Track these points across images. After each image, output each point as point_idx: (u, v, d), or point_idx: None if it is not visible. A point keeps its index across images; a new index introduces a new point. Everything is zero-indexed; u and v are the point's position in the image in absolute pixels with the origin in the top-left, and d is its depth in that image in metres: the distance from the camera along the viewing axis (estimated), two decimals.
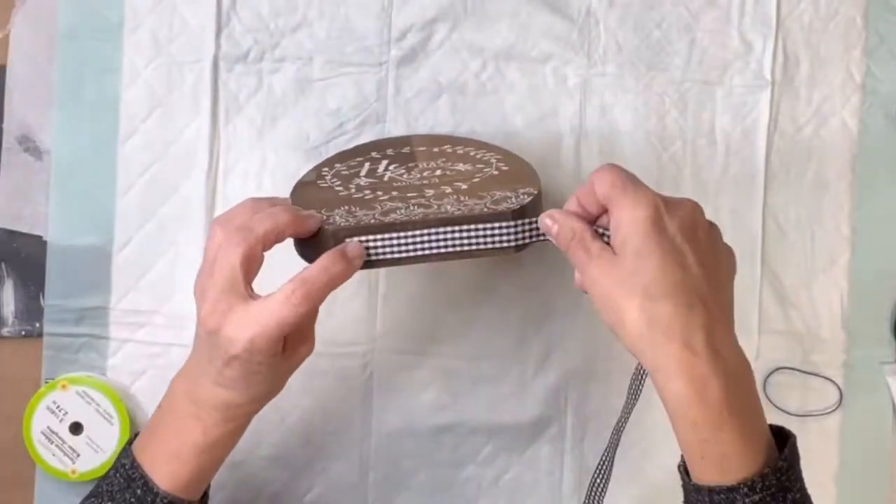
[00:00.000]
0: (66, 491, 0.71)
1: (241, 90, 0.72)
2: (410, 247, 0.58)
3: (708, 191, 0.74)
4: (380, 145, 0.70)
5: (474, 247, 0.57)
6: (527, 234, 0.58)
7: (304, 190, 0.64)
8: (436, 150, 0.68)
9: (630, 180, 0.53)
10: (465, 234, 0.57)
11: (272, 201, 0.60)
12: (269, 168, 0.72)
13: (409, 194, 0.61)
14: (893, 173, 0.75)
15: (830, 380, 0.74)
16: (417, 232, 0.57)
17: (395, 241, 0.57)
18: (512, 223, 0.57)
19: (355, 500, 0.72)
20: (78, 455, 0.70)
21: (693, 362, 0.50)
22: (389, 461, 0.73)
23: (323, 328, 0.72)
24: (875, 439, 0.75)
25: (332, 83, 0.72)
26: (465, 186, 0.61)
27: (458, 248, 0.57)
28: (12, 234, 0.71)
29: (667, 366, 0.50)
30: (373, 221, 0.57)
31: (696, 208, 0.54)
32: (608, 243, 0.54)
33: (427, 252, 0.57)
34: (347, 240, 0.57)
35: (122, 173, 0.72)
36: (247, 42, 0.72)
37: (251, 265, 0.55)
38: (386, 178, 0.64)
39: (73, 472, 0.70)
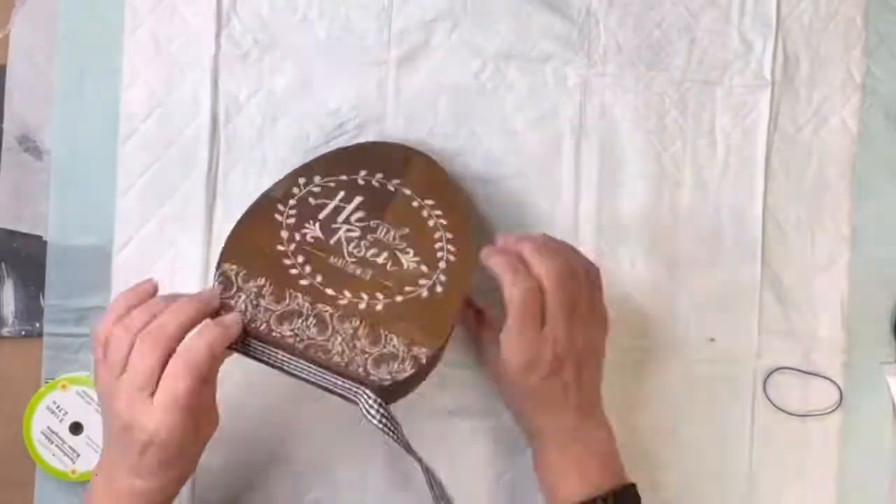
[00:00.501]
0: (66, 491, 0.71)
1: (241, 90, 0.72)
2: (281, 362, 0.60)
3: (708, 191, 0.74)
4: (377, 161, 0.69)
5: (333, 389, 0.60)
6: (375, 416, 0.59)
7: (252, 223, 0.64)
8: (415, 203, 0.67)
9: (527, 321, 0.60)
10: (326, 378, 0.59)
11: (176, 298, 0.59)
12: (269, 168, 0.72)
13: (328, 290, 0.61)
14: (893, 173, 0.75)
15: (830, 380, 0.74)
16: (289, 356, 0.59)
17: (269, 352, 0.59)
18: (370, 399, 0.59)
19: (355, 500, 0.72)
20: (78, 455, 0.70)
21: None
22: (389, 461, 0.73)
23: None
24: (875, 439, 0.75)
25: (332, 83, 0.72)
26: (379, 308, 0.61)
27: (318, 383, 0.60)
28: (12, 234, 0.71)
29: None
30: (262, 327, 0.59)
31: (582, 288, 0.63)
32: None
33: (292, 372, 0.60)
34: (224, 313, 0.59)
35: (122, 173, 0.71)
36: (247, 42, 0.72)
37: (164, 364, 0.55)
38: (335, 238, 0.64)
39: (73, 472, 0.70)
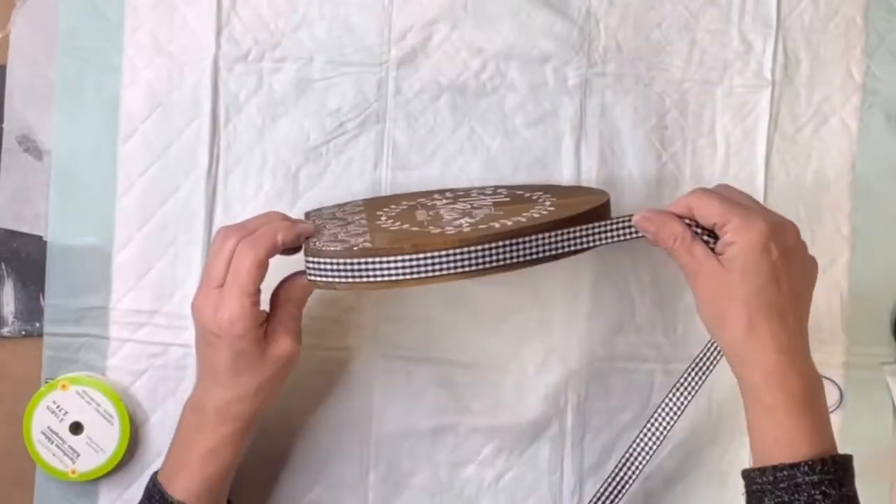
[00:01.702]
0: (66, 491, 0.71)
1: (241, 90, 0.72)
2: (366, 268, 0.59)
3: None
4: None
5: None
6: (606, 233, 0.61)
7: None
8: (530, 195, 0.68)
9: (738, 204, 0.60)
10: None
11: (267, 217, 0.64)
12: (269, 168, 0.72)
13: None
14: (893, 173, 0.75)
15: (830, 380, 0.74)
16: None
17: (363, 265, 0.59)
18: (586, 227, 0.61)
19: (355, 500, 0.72)
20: (78, 455, 0.70)
21: (776, 360, 0.59)
22: (389, 461, 0.73)
23: (324, 328, 0.72)
24: (875, 439, 0.75)
25: (332, 83, 0.72)
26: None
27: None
28: (12, 234, 0.71)
29: (754, 361, 0.59)
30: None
31: (797, 235, 0.61)
32: (709, 244, 0.60)
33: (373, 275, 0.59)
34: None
35: (122, 173, 0.71)
36: (247, 42, 0.72)
37: (261, 271, 0.61)
38: (433, 212, 0.66)
39: (73, 472, 0.70)
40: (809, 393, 0.59)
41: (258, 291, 0.61)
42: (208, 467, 0.62)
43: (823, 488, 0.56)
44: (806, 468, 0.57)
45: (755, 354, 0.59)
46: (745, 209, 0.60)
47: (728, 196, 0.61)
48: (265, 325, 0.62)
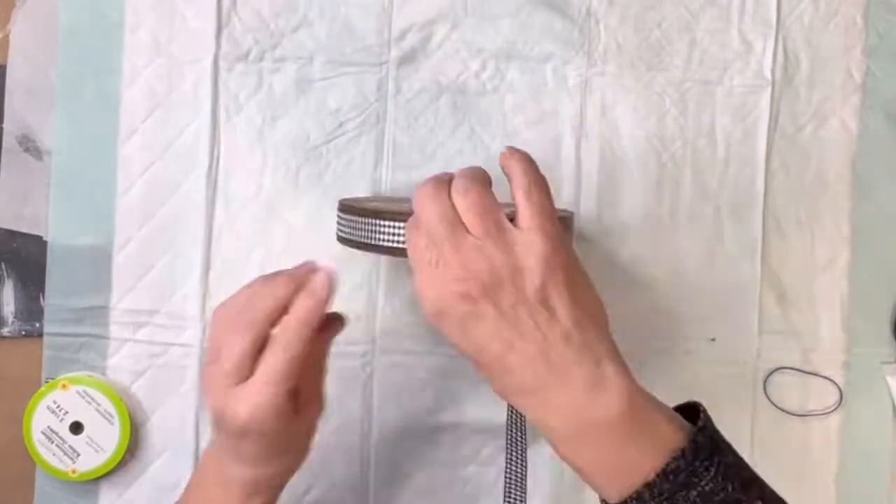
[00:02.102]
0: (66, 491, 0.71)
1: (241, 90, 0.72)
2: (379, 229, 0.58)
3: (708, 191, 0.74)
4: None
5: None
6: None
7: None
8: None
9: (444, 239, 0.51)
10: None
11: (273, 279, 0.55)
12: (269, 168, 0.72)
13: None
14: (893, 173, 0.75)
15: (830, 380, 0.74)
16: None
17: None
18: None
19: (355, 500, 0.72)
20: (78, 455, 0.70)
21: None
22: (389, 461, 0.73)
23: None
24: (875, 439, 0.75)
25: (332, 83, 0.72)
26: None
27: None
28: (12, 234, 0.71)
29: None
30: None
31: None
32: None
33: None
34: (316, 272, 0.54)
35: (122, 173, 0.71)
36: (247, 42, 0.72)
37: (257, 348, 0.53)
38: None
39: (74, 471, 0.70)
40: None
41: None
42: None
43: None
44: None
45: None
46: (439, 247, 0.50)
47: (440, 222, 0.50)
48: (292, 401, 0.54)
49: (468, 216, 0.50)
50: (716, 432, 0.51)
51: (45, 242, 0.71)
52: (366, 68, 0.72)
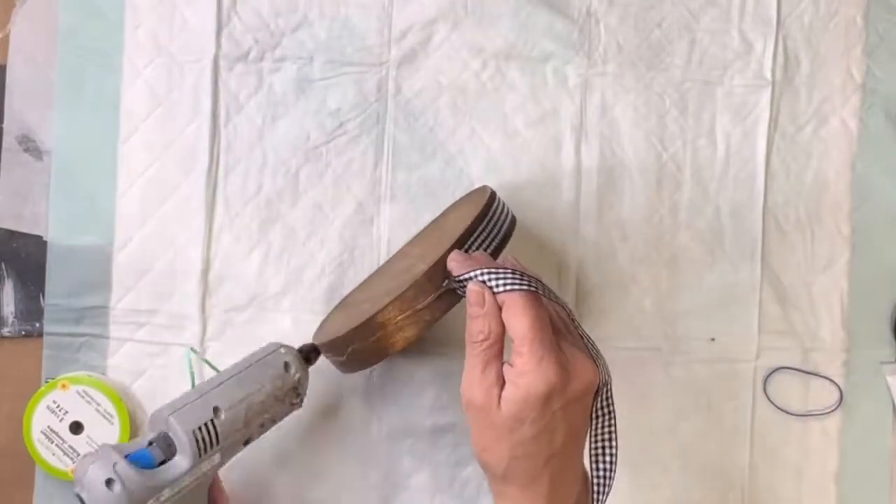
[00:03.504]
0: (66, 491, 0.71)
1: (241, 90, 0.72)
2: None
3: (708, 191, 0.74)
4: None
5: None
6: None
7: None
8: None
9: (544, 334, 0.54)
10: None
11: None
12: (269, 168, 0.72)
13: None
14: (893, 173, 0.75)
15: (830, 380, 0.74)
16: None
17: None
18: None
19: (355, 500, 0.72)
20: (78, 454, 0.70)
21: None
22: (389, 461, 0.73)
23: None
24: (875, 439, 0.75)
25: (332, 83, 0.72)
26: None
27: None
28: (12, 234, 0.71)
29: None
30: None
31: (588, 384, 0.55)
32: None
33: None
34: None
35: (122, 173, 0.72)
36: (247, 41, 0.72)
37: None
38: None
39: (73, 471, 0.70)
40: None
41: None
42: None
43: None
44: None
45: (507, 500, 0.55)
46: (545, 346, 0.53)
47: (539, 316, 0.54)
48: None
49: None
50: None
51: (45, 242, 0.71)
52: (366, 68, 0.72)
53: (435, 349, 0.72)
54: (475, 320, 0.55)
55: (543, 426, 0.53)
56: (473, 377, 0.55)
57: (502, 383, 0.54)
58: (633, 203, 0.73)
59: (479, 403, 0.54)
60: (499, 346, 0.55)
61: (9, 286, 0.72)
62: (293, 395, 0.62)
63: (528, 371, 0.53)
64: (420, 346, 0.72)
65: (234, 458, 0.66)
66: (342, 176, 0.72)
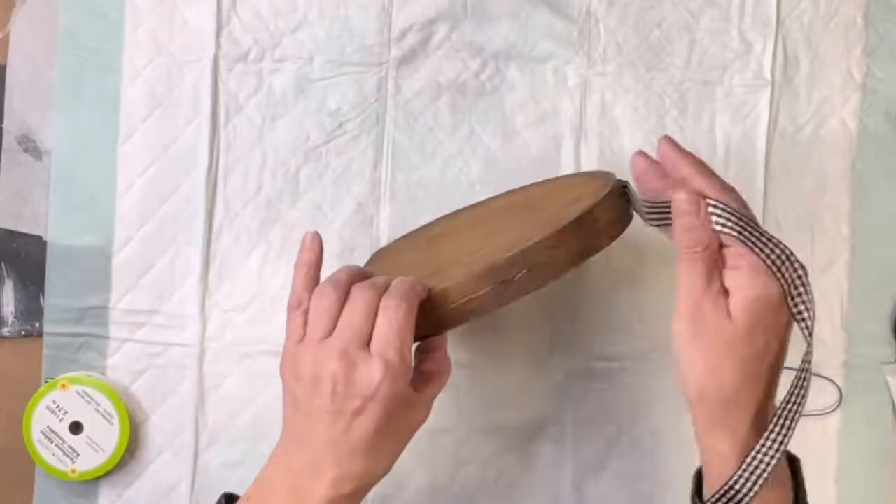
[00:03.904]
0: (65, 491, 0.71)
1: (241, 90, 0.72)
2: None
3: None
4: None
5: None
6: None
7: None
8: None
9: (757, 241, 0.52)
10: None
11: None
12: (269, 168, 0.72)
13: None
14: (893, 173, 0.75)
15: (830, 380, 0.74)
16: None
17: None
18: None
19: None
20: (78, 454, 0.70)
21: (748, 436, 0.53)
22: None
23: None
24: (875, 439, 0.75)
25: (332, 83, 0.72)
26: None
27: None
28: (12, 234, 0.71)
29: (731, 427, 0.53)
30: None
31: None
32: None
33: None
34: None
35: (122, 173, 0.71)
36: (247, 42, 0.72)
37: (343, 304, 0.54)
38: None
39: (73, 471, 0.70)
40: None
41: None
42: None
43: None
44: None
45: (731, 433, 0.53)
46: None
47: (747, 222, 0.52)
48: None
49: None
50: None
51: (45, 242, 0.71)
52: (366, 68, 0.72)
53: None
54: (692, 231, 0.52)
55: (774, 339, 0.52)
56: (697, 290, 0.52)
57: (726, 295, 0.52)
58: None
59: (709, 315, 0.51)
60: (718, 256, 0.52)
61: (9, 286, 0.72)
62: None
63: (760, 272, 0.51)
64: (419, 347, 0.72)
65: (232, 459, 0.67)
66: (342, 176, 0.72)
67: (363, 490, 0.55)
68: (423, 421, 0.57)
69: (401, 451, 0.56)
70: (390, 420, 0.53)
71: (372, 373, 0.51)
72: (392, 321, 0.52)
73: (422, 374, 0.57)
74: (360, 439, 0.53)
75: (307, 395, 0.53)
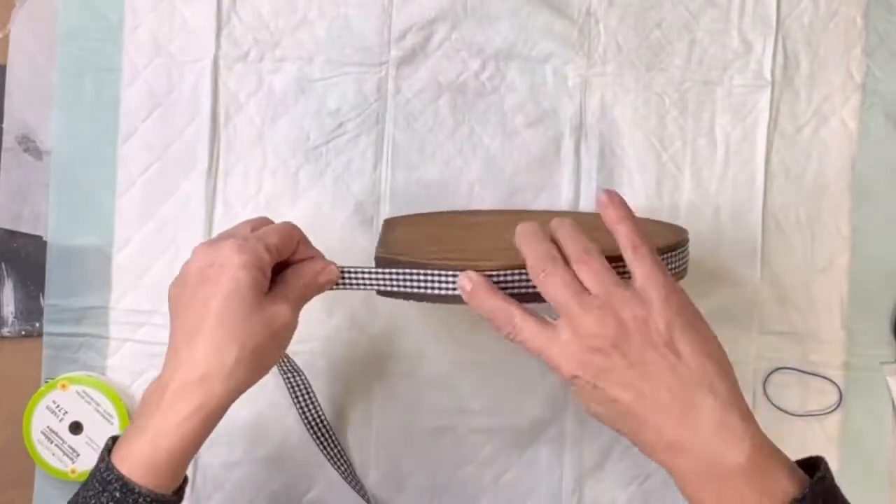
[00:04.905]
0: (65, 491, 0.71)
1: (241, 90, 0.72)
2: (377, 278, 0.60)
3: (708, 191, 0.74)
4: None
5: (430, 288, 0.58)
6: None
7: None
8: None
9: (583, 289, 0.53)
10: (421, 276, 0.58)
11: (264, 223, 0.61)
12: (269, 168, 0.72)
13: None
14: (893, 173, 0.75)
15: (830, 380, 0.74)
16: (388, 270, 0.59)
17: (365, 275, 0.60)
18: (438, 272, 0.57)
19: (355, 500, 0.72)
20: (78, 455, 0.70)
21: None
22: (389, 461, 0.73)
23: (323, 327, 0.72)
24: (875, 439, 0.75)
25: (332, 83, 0.72)
26: None
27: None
28: (12, 234, 0.72)
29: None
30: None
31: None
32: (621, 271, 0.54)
33: (389, 285, 0.60)
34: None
35: (122, 173, 0.72)
36: (247, 42, 0.72)
37: (285, 246, 0.58)
38: None
39: (73, 471, 0.70)
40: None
41: (273, 262, 0.57)
42: (159, 454, 0.53)
43: None
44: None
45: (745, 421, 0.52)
46: (582, 302, 0.52)
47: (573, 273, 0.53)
48: (268, 286, 0.56)
49: (589, 281, 0.52)
50: (833, 486, 0.52)
51: (45, 242, 0.71)
52: (366, 68, 0.72)
53: (435, 349, 0.72)
54: (481, 304, 0.57)
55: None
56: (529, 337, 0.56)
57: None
58: (632, 203, 0.73)
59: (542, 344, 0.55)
60: (519, 311, 0.56)
61: (9, 286, 0.72)
62: None
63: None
64: (420, 347, 0.72)
65: (232, 458, 0.67)
66: (342, 176, 0.72)
67: (218, 387, 0.54)
68: (285, 328, 0.57)
69: (255, 362, 0.55)
70: (232, 294, 0.54)
71: (222, 247, 0.55)
72: (269, 229, 0.58)
73: (276, 294, 0.57)
74: (197, 321, 0.54)
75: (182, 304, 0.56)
